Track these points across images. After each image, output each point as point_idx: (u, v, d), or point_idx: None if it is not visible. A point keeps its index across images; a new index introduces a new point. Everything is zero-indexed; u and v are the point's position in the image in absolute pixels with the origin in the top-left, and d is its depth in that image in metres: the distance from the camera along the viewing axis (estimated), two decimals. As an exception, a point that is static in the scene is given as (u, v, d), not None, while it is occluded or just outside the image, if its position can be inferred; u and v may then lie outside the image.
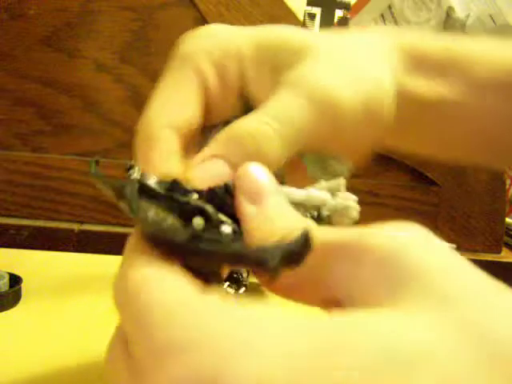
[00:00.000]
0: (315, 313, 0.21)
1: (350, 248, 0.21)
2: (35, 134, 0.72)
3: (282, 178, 0.29)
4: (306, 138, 0.30)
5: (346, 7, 0.62)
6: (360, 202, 0.29)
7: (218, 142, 0.29)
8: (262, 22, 0.33)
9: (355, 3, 0.86)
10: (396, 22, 0.86)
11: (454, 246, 0.26)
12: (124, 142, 0.73)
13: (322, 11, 0.62)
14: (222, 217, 0.24)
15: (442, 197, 0.75)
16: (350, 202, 0.29)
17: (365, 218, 0.27)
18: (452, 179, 0.75)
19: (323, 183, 0.29)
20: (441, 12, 0.85)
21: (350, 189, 0.30)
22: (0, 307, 0.48)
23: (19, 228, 0.69)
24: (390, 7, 0.87)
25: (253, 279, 0.55)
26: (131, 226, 0.25)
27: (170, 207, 0.24)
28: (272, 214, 0.24)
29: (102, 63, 0.72)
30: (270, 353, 0.17)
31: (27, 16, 0.71)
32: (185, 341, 0.18)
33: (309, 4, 0.62)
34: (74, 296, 0.53)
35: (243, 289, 0.55)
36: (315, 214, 0.28)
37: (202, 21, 0.71)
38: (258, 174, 0.26)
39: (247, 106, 0.32)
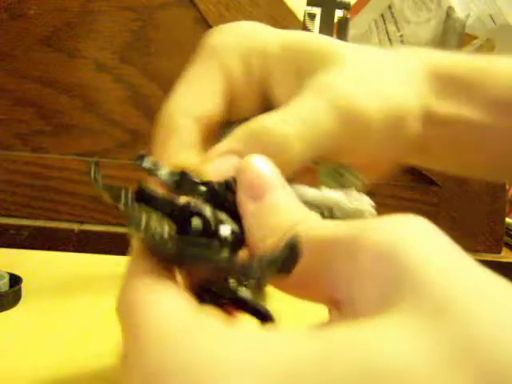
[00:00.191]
0: (310, 319, 0.21)
1: (347, 245, 0.20)
2: (35, 134, 0.72)
3: (290, 181, 0.27)
4: (326, 144, 0.29)
5: (346, 7, 0.62)
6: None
7: (236, 136, 0.28)
8: (261, 22, 0.33)
9: (355, 3, 0.86)
10: (396, 22, 0.86)
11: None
12: (124, 141, 0.73)
13: (322, 11, 0.62)
14: (223, 216, 0.24)
15: (442, 197, 0.75)
16: (365, 205, 0.28)
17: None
18: (452, 179, 0.75)
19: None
20: (441, 12, 0.85)
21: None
22: (0, 307, 0.48)
23: (19, 228, 0.69)
24: (390, 7, 0.87)
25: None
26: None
27: (169, 210, 0.24)
28: (274, 209, 0.23)
29: (102, 63, 0.72)
30: (264, 376, 0.16)
31: (27, 16, 0.71)
32: (177, 365, 0.17)
33: (309, 4, 0.62)
34: (74, 296, 0.53)
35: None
36: (327, 214, 0.27)
37: (202, 21, 0.71)
38: (260, 166, 0.25)
39: (268, 107, 0.32)
